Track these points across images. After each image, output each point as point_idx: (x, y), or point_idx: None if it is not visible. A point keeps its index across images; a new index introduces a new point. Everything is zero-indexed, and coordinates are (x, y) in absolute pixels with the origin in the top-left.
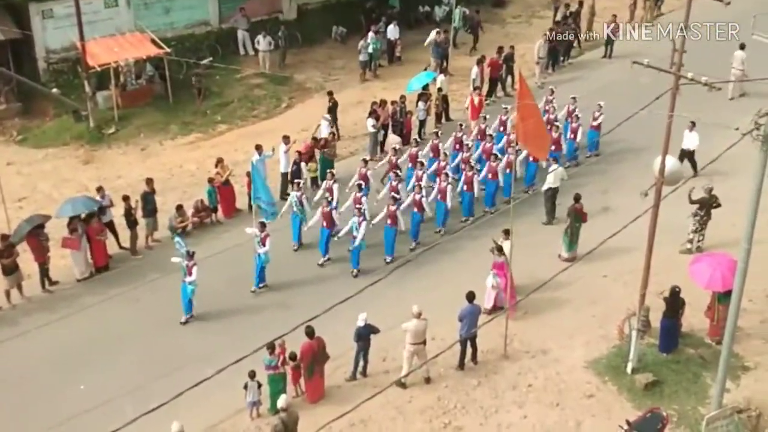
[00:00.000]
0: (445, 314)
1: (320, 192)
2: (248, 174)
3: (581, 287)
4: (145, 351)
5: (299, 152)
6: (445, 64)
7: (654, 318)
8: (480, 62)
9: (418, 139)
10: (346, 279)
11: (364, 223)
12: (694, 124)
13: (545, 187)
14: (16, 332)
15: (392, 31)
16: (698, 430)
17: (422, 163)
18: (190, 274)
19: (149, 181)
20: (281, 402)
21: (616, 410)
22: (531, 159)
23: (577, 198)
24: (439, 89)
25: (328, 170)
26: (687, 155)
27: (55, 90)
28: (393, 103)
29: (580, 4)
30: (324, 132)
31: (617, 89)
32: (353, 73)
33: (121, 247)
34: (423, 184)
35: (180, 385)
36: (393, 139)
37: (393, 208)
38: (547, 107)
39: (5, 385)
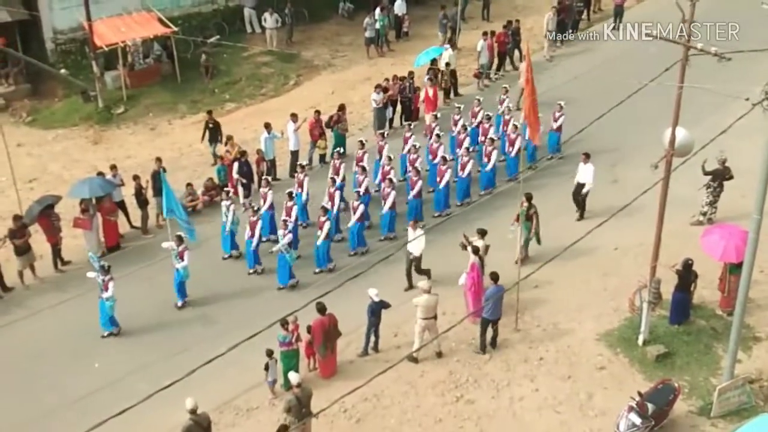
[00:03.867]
0: (455, 289)
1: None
2: (258, 152)
3: (592, 260)
4: (157, 329)
5: (222, 157)
6: (453, 38)
7: (665, 290)
8: (486, 35)
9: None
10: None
11: (289, 236)
12: (588, 156)
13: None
14: (29, 312)
15: (399, 6)
16: (710, 401)
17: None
18: (107, 289)
19: (159, 161)
20: (293, 379)
21: (627, 382)
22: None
23: (529, 198)
24: (447, 64)
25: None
26: (579, 189)
27: (63, 71)
28: (402, 79)
29: None
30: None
31: (626, 60)
32: (361, 49)
33: (132, 227)
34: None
35: (192, 362)
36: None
37: (323, 219)
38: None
39: (20, 365)
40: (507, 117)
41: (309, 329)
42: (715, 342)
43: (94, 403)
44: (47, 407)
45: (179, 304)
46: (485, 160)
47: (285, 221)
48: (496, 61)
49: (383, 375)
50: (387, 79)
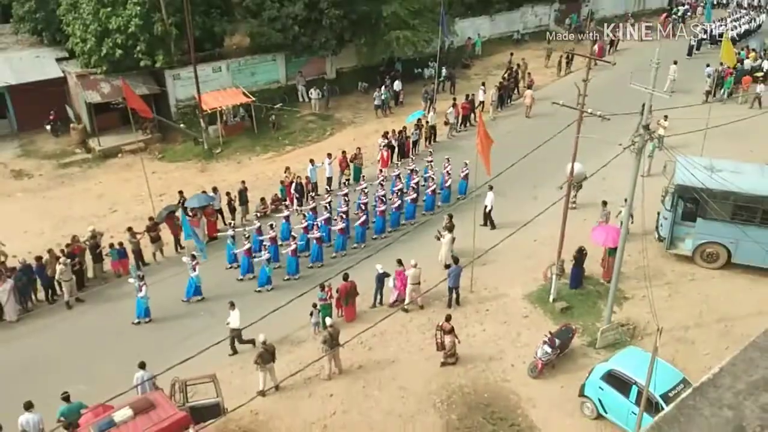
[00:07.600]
0: (431, 267)
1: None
2: (306, 178)
3: (519, 248)
4: (240, 294)
5: (283, 181)
6: (432, 105)
7: (566, 266)
8: (454, 104)
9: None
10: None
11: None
12: (491, 187)
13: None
14: (160, 279)
15: (397, 85)
16: (595, 338)
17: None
18: (141, 291)
19: (243, 183)
20: (328, 321)
21: (542, 325)
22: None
23: (450, 216)
24: (427, 122)
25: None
26: (486, 215)
27: (182, 125)
28: (399, 132)
29: (518, 66)
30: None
31: (543, 120)
32: (372, 112)
33: (225, 224)
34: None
35: (261, 314)
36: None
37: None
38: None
39: (162, 314)
40: (430, 173)
41: (338, 290)
42: (599, 300)
43: (203, 341)
44: (169, 343)
45: (184, 299)
46: (408, 200)
47: (272, 239)
48: (460, 119)
49: (385, 320)
50: (386, 131)
